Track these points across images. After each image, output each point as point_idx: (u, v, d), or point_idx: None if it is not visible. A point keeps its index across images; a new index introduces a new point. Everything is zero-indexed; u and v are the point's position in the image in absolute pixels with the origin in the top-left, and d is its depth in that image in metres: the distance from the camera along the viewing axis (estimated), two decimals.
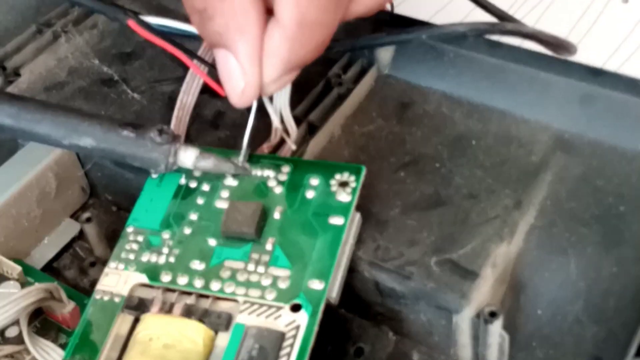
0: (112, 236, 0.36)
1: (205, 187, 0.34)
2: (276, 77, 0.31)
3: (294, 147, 0.35)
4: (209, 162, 0.33)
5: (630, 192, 0.35)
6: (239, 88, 0.31)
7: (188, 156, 0.33)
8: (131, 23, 0.34)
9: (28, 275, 0.35)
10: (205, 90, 0.37)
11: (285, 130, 0.36)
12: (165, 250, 0.32)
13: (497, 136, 0.37)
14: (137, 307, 0.31)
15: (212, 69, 0.34)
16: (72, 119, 0.33)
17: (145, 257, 0.32)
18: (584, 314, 0.32)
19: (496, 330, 0.31)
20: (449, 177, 0.36)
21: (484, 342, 0.31)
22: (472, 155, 0.36)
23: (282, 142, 0.36)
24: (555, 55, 0.37)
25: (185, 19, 0.33)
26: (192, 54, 0.35)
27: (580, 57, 0.38)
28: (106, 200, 0.39)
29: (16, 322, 0.32)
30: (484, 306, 0.31)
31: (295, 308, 0.29)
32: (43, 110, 0.32)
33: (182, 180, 0.34)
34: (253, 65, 0.31)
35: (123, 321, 0.31)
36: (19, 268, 0.34)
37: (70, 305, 0.33)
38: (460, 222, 0.34)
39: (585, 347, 0.31)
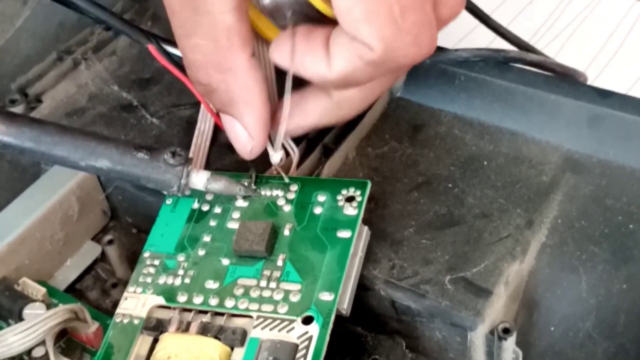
0: (133, 258, 0.37)
1: (217, 210, 0.35)
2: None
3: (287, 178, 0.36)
4: (220, 184, 0.34)
5: (638, 210, 0.35)
6: (247, 149, 0.34)
7: (200, 178, 0.34)
8: (151, 48, 0.35)
9: (52, 296, 0.36)
10: None
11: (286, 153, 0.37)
12: (180, 272, 0.33)
13: (508, 157, 0.38)
14: (156, 327, 0.32)
15: None
16: (90, 142, 0.33)
17: (161, 280, 0.33)
18: (595, 330, 0.33)
19: (510, 347, 0.32)
20: (462, 197, 0.37)
21: (498, 359, 0.32)
22: (484, 175, 0.37)
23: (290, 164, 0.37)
24: (563, 78, 0.38)
25: None
26: None
27: (602, 84, 0.39)
28: (126, 222, 0.40)
29: (42, 343, 0.33)
30: (497, 323, 0.32)
31: (307, 320, 0.30)
32: (62, 134, 0.33)
33: (195, 205, 0.35)
34: (260, 131, 0.33)
35: (143, 342, 0.32)
36: (43, 290, 0.35)
37: (94, 326, 0.34)
38: (474, 241, 0.35)
39: None
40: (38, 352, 0.33)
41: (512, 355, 0.32)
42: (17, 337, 0.31)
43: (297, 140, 0.37)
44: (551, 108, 0.38)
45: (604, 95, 0.37)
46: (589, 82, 0.39)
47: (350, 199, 0.33)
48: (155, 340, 0.32)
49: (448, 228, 0.35)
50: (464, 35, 0.45)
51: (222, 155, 0.39)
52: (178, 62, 0.37)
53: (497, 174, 0.37)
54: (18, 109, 0.42)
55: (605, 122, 0.37)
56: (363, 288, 0.34)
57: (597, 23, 0.58)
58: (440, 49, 0.39)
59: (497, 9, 0.58)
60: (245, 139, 0.34)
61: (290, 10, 0.31)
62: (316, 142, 0.39)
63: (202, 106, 0.40)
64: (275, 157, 0.36)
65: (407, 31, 0.28)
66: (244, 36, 0.31)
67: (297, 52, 0.31)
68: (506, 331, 0.31)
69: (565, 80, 0.38)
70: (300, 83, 0.33)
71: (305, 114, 0.34)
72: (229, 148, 0.40)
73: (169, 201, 0.36)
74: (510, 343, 0.31)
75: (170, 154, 0.33)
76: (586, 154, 0.38)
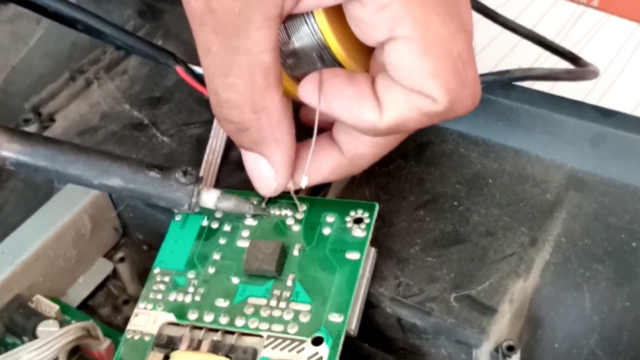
0: (144, 274, 0.37)
1: (227, 228, 0.36)
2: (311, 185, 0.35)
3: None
4: (230, 203, 0.35)
5: None
6: (272, 187, 0.34)
7: (210, 197, 0.35)
8: (179, 70, 0.36)
9: (65, 313, 0.36)
10: None
11: None
12: (191, 289, 0.34)
13: (512, 175, 0.38)
14: (167, 345, 0.33)
15: None
16: (103, 160, 0.34)
17: (172, 297, 0.34)
18: (599, 347, 0.33)
19: None
20: (467, 215, 0.37)
21: None
22: (489, 193, 0.38)
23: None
24: (566, 97, 0.38)
25: None
26: None
27: (613, 98, 0.39)
28: (137, 239, 0.41)
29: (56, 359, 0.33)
30: (502, 340, 0.32)
31: (317, 341, 0.31)
32: (76, 153, 0.34)
33: (205, 222, 0.36)
34: (287, 170, 0.34)
35: (154, 359, 0.33)
36: (56, 307, 0.36)
37: (105, 343, 0.34)
38: (478, 259, 0.35)
39: None
40: None
41: None
42: (30, 354, 0.32)
43: None
44: (554, 127, 0.39)
45: (607, 115, 0.38)
46: (593, 102, 0.39)
47: (358, 221, 0.34)
48: (166, 358, 0.32)
49: (453, 246, 0.36)
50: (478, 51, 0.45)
51: (232, 173, 0.40)
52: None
53: (501, 192, 0.38)
54: (32, 128, 0.43)
55: (607, 140, 0.38)
56: (370, 305, 0.34)
57: (601, 46, 0.59)
58: None
59: (498, 36, 0.58)
60: (272, 177, 0.34)
61: (315, 56, 0.32)
62: None
63: (215, 123, 0.41)
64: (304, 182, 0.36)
65: (469, 84, 0.30)
66: (278, 76, 0.31)
67: (342, 97, 0.31)
68: (510, 349, 0.32)
69: (568, 98, 0.39)
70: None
71: (317, 169, 0.35)
72: (239, 166, 0.40)
73: (178, 218, 0.37)
74: None
75: (182, 173, 0.34)
76: (589, 172, 0.38)
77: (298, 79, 0.33)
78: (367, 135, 0.32)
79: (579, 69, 0.40)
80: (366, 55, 0.33)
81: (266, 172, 0.34)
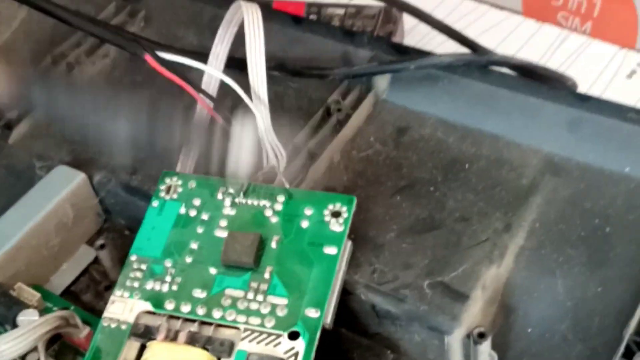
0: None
1: (204, 216, 0.36)
2: None
3: (287, 185, 0.37)
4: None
5: (615, 213, 0.36)
6: None
7: None
8: (148, 58, 0.36)
9: (47, 300, 0.37)
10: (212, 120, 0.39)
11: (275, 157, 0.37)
12: (168, 278, 0.34)
13: (489, 159, 0.39)
14: (144, 334, 0.33)
15: (216, 102, 0.36)
16: None
17: (149, 285, 0.34)
18: (570, 332, 0.34)
19: (485, 350, 0.32)
20: (443, 200, 0.37)
21: None
22: (465, 178, 0.38)
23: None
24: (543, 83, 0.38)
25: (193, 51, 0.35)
26: (199, 89, 0.38)
27: None
28: (120, 224, 0.41)
29: (35, 349, 0.34)
30: (474, 327, 0.33)
31: (293, 336, 0.31)
32: None
33: (182, 209, 0.36)
34: None
35: (130, 348, 0.33)
36: (38, 294, 0.36)
37: (85, 330, 0.35)
38: (453, 245, 0.36)
39: None
40: (32, 358, 0.34)
41: (487, 358, 0.33)
42: (9, 344, 0.33)
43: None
44: (532, 111, 0.39)
45: (583, 99, 0.38)
46: None
47: (336, 214, 0.34)
48: (143, 347, 0.33)
49: (428, 232, 0.36)
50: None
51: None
52: (175, 69, 0.37)
53: (478, 177, 0.38)
54: (13, 113, 0.43)
55: (584, 125, 0.38)
56: (345, 292, 0.34)
57: (584, 69, 0.59)
58: (425, 53, 0.40)
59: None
60: None
61: None
62: (301, 147, 0.39)
63: (196, 111, 0.41)
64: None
65: None
66: None
67: None
68: (481, 335, 0.32)
69: (550, 85, 0.39)
70: None
71: None
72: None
73: (155, 203, 0.37)
74: (485, 347, 0.32)
75: None
76: (566, 157, 0.38)
77: None
78: None
79: (559, 72, 0.40)
80: None
81: None
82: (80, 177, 0.39)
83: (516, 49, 0.60)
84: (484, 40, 0.46)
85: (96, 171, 0.40)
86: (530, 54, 0.59)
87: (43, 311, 0.36)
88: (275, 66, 0.41)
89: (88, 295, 0.39)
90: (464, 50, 0.45)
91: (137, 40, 0.35)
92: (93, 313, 0.37)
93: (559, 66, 0.57)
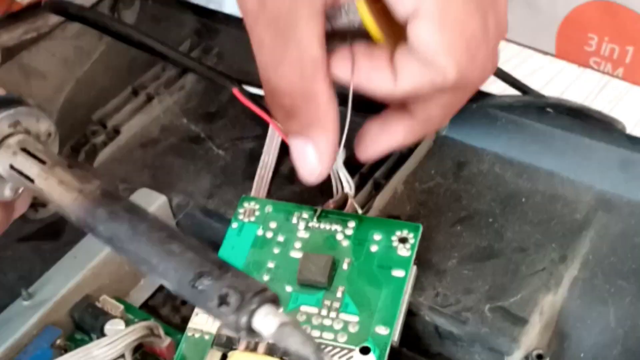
0: None
1: (280, 238, 0.38)
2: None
3: (360, 210, 0.39)
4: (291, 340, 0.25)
5: None
6: (315, 172, 0.36)
7: (265, 325, 0.25)
8: (235, 91, 0.39)
9: (128, 312, 0.40)
10: (283, 148, 0.42)
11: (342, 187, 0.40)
12: None
13: (544, 195, 0.41)
14: (226, 344, 0.35)
15: None
16: (152, 257, 0.28)
17: None
18: (621, 358, 0.36)
19: None
20: (501, 231, 0.40)
21: None
22: (522, 212, 0.41)
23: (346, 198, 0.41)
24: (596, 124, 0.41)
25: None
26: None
27: None
28: None
29: (122, 356, 0.36)
30: (532, 349, 0.35)
31: (365, 350, 0.34)
32: (130, 239, 0.28)
33: (260, 232, 0.39)
34: (330, 157, 0.35)
35: (213, 356, 0.36)
36: (121, 306, 0.39)
37: (167, 341, 0.37)
38: (511, 273, 0.38)
39: None
40: None
41: None
42: (101, 350, 0.35)
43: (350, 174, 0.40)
44: (585, 151, 0.41)
45: (635, 142, 0.41)
46: None
47: (403, 240, 0.37)
48: (224, 356, 0.35)
49: (488, 260, 0.39)
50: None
51: (282, 186, 0.43)
52: (259, 102, 0.41)
53: (534, 210, 0.41)
54: (99, 140, 0.46)
55: (635, 165, 0.40)
56: (410, 313, 0.37)
57: (624, 113, 0.61)
58: (486, 95, 0.43)
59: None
60: (315, 163, 0.36)
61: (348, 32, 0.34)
62: (368, 177, 0.42)
63: (267, 139, 0.44)
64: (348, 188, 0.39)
65: (477, 63, 0.33)
66: (325, 65, 0.33)
67: (361, 69, 0.34)
68: (540, 357, 0.35)
69: (602, 127, 0.41)
70: None
71: (391, 135, 0.37)
72: (289, 179, 0.43)
73: (234, 225, 0.39)
74: None
75: (218, 300, 0.26)
76: (617, 194, 0.41)
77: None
78: (384, 100, 0.35)
79: (610, 116, 0.42)
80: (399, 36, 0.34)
81: (311, 158, 0.35)
82: (161, 199, 0.43)
83: (559, 93, 0.62)
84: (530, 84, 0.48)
85: (175, 194, 0.43)
86: (572, 97, 0.61)
87: (125, 322, 0.38)
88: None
89: (165, 309, 0.42)
90: (513, 91, 0.47)
91: (226, 74, 0.39)
92: (170, 326, 0.40)
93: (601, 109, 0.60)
